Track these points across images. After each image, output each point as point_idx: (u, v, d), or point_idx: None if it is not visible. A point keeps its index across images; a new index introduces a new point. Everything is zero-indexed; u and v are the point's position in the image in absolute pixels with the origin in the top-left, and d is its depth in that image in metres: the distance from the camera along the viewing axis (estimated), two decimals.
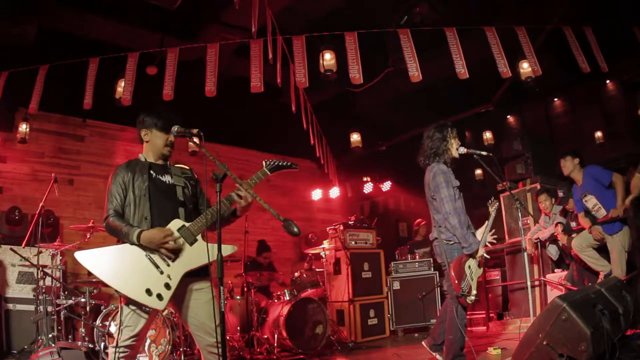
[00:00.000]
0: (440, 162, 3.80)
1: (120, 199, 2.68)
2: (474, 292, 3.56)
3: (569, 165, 5.18)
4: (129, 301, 2.54)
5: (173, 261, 2.57)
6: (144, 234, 2.54)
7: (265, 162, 2.81)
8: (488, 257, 3.79)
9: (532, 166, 7.25)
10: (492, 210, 4.04)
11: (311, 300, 5.94)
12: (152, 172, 2.77)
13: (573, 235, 5.38)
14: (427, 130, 3.95)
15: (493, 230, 3.95)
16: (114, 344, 2.55)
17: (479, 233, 3.87)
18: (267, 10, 4.63)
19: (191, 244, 2.64)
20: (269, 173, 2.80)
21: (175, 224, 2.65)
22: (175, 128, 2.72)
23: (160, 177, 2.79)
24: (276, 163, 2.82)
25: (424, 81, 5.18)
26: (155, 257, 2.56)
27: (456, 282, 3.53)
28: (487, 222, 3.92)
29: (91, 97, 5.10)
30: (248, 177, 2.79)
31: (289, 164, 2.86)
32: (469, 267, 3.60)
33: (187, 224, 2.66)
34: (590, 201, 5.02)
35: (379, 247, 7.31)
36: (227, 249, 2.62)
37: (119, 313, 2.58)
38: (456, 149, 3.88)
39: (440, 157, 3.82)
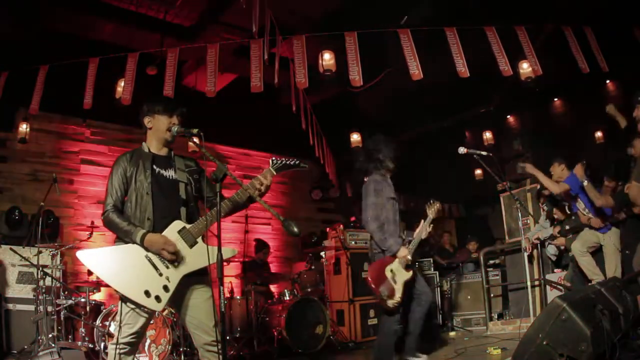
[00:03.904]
0: (376, 173, 3.98)
1: (120, 193, 2.65)
2: (398, 295, 3.60)
3: (557, 171, 5.33)
4: (127, 300, 2.54)
5: (172, 264, 2.57)
6: (147, 237, 2.53)
7: (272, 160, 2.75)
8: (409, 258, 3.76)
9: None
10: (431, 212, 4.08)
11: (311, 300, 5.94)
12: (155, 166, 2.72)
13: (569, 237, 5.39)
14: (368, 142, 4.19)
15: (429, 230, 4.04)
16: (114, 341, 2.55)
17: (416, 234, 3.98)
18: (267, 11, 4.63)
19: (191, 246, 2.62)
20: (274, 173, 2.74)
21: (175, 226, 2.63)
22: (175, 128, 2.71)
23: (163, 172, 2.74)
24: (283, 162, 2.75)
25: (424, 81, 5.18)
26: (155, 259, 2.55)
27: (373, 286, 3.59)
28: (422, 223, 4.00)
29: (91, 97, 5.10)
30: (248, 177, 2.78)
31: (297, 162, 2.77)
32: (391, 270, 3.68)
33: (188, 226, 2.64)
34: (579, 204, 5.08)
35: None
36: (227, 252, 2.60)
37: (119, 311, 2.58)
38: (391, 160, 4.00)
39: (377, 168, 4.00)
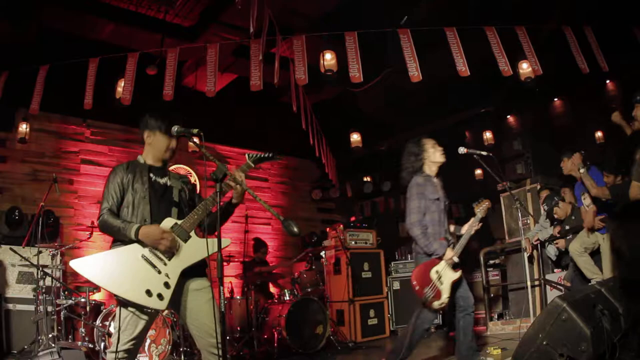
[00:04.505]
0: (419, 174, 3.88)
1: (117, 199, 2.67)
2: (445, 296, 3.59)
3: (568, 165, 5.26)
4: (127, 303, 2.53)
5: (169, 259, 2.57)
6: (142, 229, 2.54)
7: (248, 155, 2.86)
8: (457, 260, 3.70)
9: (532, 166, 7.25)
10: (478, 210, 3.96)
11: (311, 300, 5.94)
12: (151, 174, 2.78)
13: (569, 237, 5.39)
14: (405, 148, 4.06)
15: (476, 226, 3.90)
16: (112, 348, 2.52)
17: (464, 232, 3.88)
18: (266, 10, 4.63)
19: (185, 240, 2.64)
20: (252, 165, 2.85)
21: (167, 223, 2.65)
22: (175, 128, 2.72)
23: (159, 180, 2.80)
24: (259, 155, 2.87)
25: (424, 81, 5.18)
26: (151, 258, 2.55)
27: (417, 288, 3.60)
28: (471, 221, 3.90)
29: (91, 97, 5.10)
30: (247, 178, 2.79)
31: (271, 155, 2.89)
32: (437, 271, 3.65)
33: (179, 222, 2.67)
34: (586, 200, 5.06)
35: (379, 247, 7.31)
36: (222, 242, 2.61)
37: (117, 316, 2.56)
38: (440, 154, 3.92)
39: (416, 173, 3.90)
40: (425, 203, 3.76)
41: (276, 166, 9.20)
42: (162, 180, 2.81)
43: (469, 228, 3.88)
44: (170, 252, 2.56)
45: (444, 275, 3.65)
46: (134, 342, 2.56)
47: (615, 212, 4.50)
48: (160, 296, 2.49)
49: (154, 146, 2.81)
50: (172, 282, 2.54)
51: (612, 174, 5.08)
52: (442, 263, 3.67)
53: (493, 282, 6.85)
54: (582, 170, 4.76)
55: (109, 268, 2.51)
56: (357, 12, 5.86)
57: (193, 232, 2.67)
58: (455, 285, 3.71)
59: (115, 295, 2.50)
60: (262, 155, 2.86)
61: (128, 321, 2.54)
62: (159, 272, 2.54)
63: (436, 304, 3.58)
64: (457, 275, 3.69)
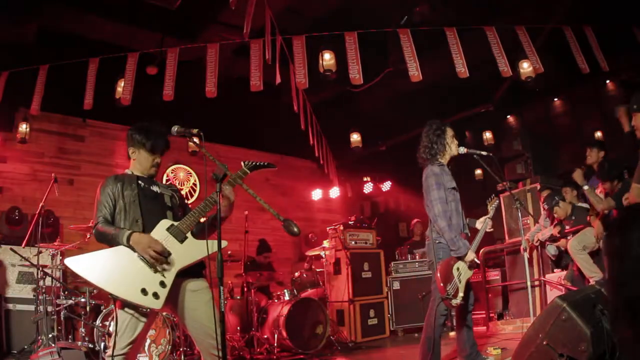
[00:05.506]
0: (434, 163, 3.76)
1: (109, 208, 2.70)
2: (461, 294, 3.53)
3: (594, 157, 5.27)
4: (125, 305, 2.52)
5: (166, 259, 2.57)
6: (133, 236, 2.55)
7: (244, 162, 2.91)
8: (477, 262, 3.65)
9: (532, 166, 7.25)
10: (491, 208, 3.96)
11: (311, 300, 5.94)
12: (140, 182, 2.82)
13: (569, 237, 5.39)
14: (424, 129, 3.90)
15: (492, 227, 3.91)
16: (110, 353, 2.51)
17: (479, 226, 3.89)
18: (267, 10, 4.63)
19: (182, 241, 2.65)
20: (248, 172, 2.89)
21: (164, 224, 2.67)
22: (175, 128, 2.72)
23: (148, 187, 2.84)
24: (254, 163, 2.93)
25: (424, 81, 5.18)
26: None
27: (442, 284, 3.51)
28: (483, 219, 3.90)
29: (91, 97, 5.11)
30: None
31: (266, 163, 2.99)
32: (458, 269, 3.58)
33: (175, 223, 2.69)
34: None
35: (379, 247, 7.31)
36: (216, 244, 2.62)
37: (115, 320, 2.54)
38: (456, 147, 3.86)
39: (434, 157, 3.78)
40: (444, 194, 3.66)
41: (276, 166, 9.20)
42: (152, 188, 2.85)
43: (482, 226, 3.86)
44: (156, 265, 2.54)
45: (463, 273, 3.59)
46: (131, 346, 2.55)
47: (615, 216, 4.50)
48: (155, 295, 2.48)
49: (139, 162, 2.88)
50: (168, 282, 2.54)
51: (607, 181, 5.07)
52: (462, 262, 3.60)
53: (493, 282, 6.85)
54: (586, 188, 4.75)
55: (105, 267, 2.50)
56: (357, 12, 5.87)
57: (190, 233, 2.68)
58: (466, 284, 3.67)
59: (110, 294, 2.48)
60: (257, 163, 2.93)
61: (127, 324, 2.54)
62: (155, 271, 2.54)
63: (454, 302, 3.52)
64: (471, 273, 3.64)
